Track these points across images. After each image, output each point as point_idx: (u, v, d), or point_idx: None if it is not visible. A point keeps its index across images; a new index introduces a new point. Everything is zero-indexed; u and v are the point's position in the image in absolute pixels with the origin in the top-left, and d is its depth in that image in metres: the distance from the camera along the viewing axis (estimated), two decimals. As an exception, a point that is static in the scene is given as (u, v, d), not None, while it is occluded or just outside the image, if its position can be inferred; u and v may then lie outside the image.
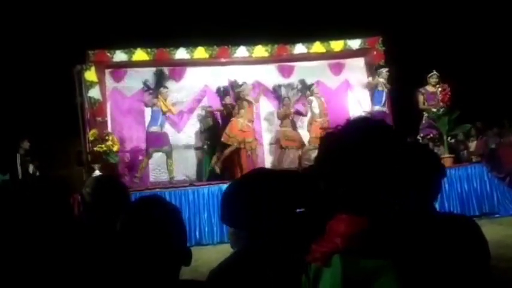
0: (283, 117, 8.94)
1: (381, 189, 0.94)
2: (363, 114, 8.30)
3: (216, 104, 9.13)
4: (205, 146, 9.06)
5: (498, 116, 11.45)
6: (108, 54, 8.75)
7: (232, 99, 8.70)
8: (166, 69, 8.91)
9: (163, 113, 8.22)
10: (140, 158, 8.71)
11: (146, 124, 8.47)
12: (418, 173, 1.19)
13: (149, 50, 8.89)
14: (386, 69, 8.96)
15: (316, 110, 8.80)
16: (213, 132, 8.87)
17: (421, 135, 8.56)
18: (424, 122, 8.62)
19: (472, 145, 11.20)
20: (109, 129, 8.56)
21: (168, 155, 8.34)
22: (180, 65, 9.33)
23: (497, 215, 7.41)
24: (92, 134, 7.86)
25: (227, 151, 8.26)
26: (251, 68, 9.51)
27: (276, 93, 9.33)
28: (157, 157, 8.58)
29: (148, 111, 8.52)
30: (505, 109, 11.28)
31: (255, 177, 1.50)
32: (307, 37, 9.57)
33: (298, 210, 1.99)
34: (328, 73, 9.96)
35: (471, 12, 13.01)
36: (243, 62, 9.39)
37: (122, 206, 1.64)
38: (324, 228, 1.02)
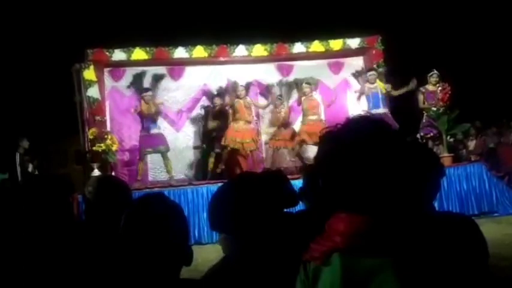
0: (276, 119, 8.94)
1: (380, 188, 0.94)
2: (362, 113, 8.28)
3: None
4: (204, 145, 9.07)
5: (497, 116, 11.48)
6: (107, 53, 8.74)
7: (223, 100, 8.72)
8: (147, 71, 8.97)
9: (149, 117, 8.12)
10: (138, 157, 8.72)
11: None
12: (417, 172, 1.19)
13: (148, 49, 8.89)
14: (372, 72, 8.89)
15: (306, 110, 8.61)
16: (211, 132, 8.88)
17: (421, 134, 8.56)
18: (424, 121, 8.62)
19: (471, 144, 11.23)
20: (108, 128, 8.56)
21: (164, 156, 8.26)
22: (179, 64, 9.33)
23: (496, 214, 7.42)
24: (91, 133, 7.85)
25: (224, 154, 8.29)
26: (250, 67, 9.51)
27: (269, 91, 9.35)
28: (156, 156, 8.58)
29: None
30: (504, 108, 11.31)
31: (237, 182, 1.53)
32: (306, 36, 9.58)
33: (285, 209, 2.00)
34: (327, 72, 9.96)
35: (471, 11, 13.03)
36: (242, 61, 9.40)
37: (123, 204, 1.64)
38: (322, 227, 1.02)
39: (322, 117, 8.81)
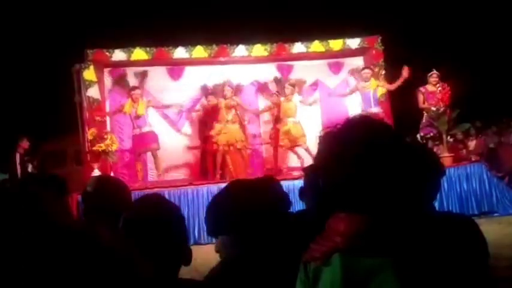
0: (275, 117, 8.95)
1: (380, 188, 0.94)
2: (363, 113, 8.27)
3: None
4: (202, 145, 9.08)
5: (497, 116, 11.49)
6: (107, 53, 8.73)
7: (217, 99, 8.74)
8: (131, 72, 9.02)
9: (137, 116, 8.14)
10: (134, 158, 8.73)
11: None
12: (417, 172, 1.18)
13: (148, 49, 8.87)
14: (366, 70, 8.89)
15: (283, 113, 8.56)
16: (205, 131, 8.94)
17: (421, 134, 8.57)
18: (424, 121, 8.62)
19: (471, 144, 11.23)
20: (108, 128, 8.56)
21: (154, 155, 8.25)
22: (179, 64, 9.32)
23: (496, 214, 7.40)
24: (90, 133, 7.85)
25: (217, 156, 8.33)
26: (250, 67, 9.51)
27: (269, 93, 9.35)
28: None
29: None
30: (504, 108, 11.31)
31: (232, 187, 1.55)
32: (306, 36, 9.57)
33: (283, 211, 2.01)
34: (327, 72, 9.95)
35: (471, 11, 13.03)
36: (242, 61, 9.39)
37: (123, 205, 1.64)
38: (322, 227, 1.02)
39: (297, 119, 8.59)
